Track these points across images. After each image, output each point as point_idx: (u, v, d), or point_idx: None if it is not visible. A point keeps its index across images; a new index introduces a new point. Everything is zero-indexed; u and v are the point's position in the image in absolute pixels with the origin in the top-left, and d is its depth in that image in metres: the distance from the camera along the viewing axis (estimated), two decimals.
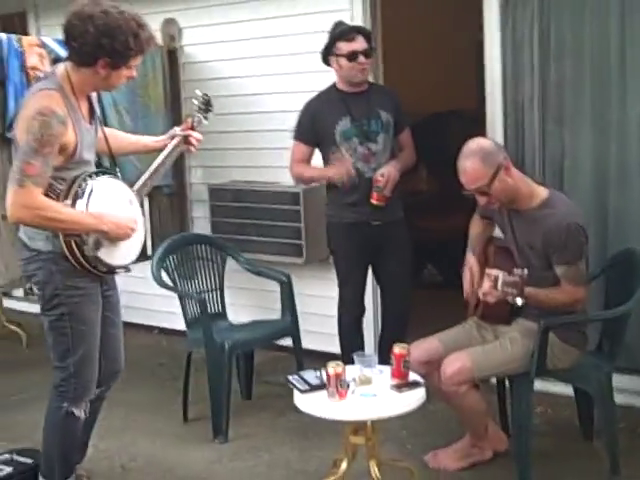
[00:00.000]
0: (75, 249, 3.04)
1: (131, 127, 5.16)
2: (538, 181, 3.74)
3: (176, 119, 5.55)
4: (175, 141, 3.50)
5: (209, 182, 5.51)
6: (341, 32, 4.24)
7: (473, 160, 3.39)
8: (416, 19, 6.79)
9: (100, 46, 2.98)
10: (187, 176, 5.71)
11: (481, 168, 3.38)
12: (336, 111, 4.27)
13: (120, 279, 5.64)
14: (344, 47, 4.20)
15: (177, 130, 3.56)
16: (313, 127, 4.32)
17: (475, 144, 3.47)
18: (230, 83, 5.45)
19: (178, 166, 5.60)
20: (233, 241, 5.00)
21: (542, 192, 3.52)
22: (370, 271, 4.50)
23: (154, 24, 5.47)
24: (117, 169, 3.32)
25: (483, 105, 4.60)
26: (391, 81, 5.09)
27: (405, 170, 4.38)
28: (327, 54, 4.30)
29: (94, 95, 3.31)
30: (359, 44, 4.20)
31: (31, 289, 3.25)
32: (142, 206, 3.38)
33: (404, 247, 4.42)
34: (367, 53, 4.23)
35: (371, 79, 4.63)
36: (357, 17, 4.86)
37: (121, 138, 3.61)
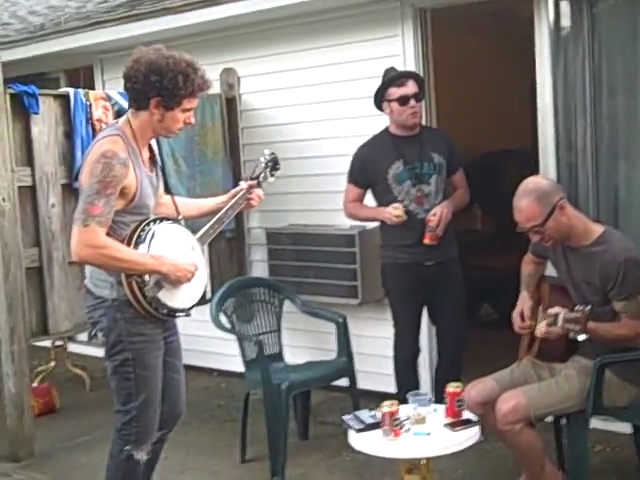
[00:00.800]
0: (137, 290, 3.10)
1: (187, 174, 5.33)
2: (594, 219, 3.74)
3: (235, 166, 5.70)
4: (241, 194, 3.55)
5: (267, 226, 5.62)
6: (392, 78, 4.35)
7: (529, 199, 3.41)
8: (468, 60, 6.87)
9: (150, 84, 3.09)
10: (245, 221, 5.83)
11: (536, 208, 3.40)
12: (389, 155, 4.35)
13: (180, 322, 5.79)
14: (395, 92, 4.30)
15: (243, 184, 3.62)
16: (364, 170, 4.42)
17: (532, 183, 3.50)
18: (286, 129, 5.58)
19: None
20: (290, 283, 5.08)
21: (597, 228, 3.53)
22: (425, 310, 4.53)
23: (213, 73, 5.69)
24: (180, 217, 3.39)
25: (537, 144, 4.63)
26: (444, 122, 5.15)
27: (458, 209, 4.43)
28: (380, 99, 4.40)
29: (156, 147, 3.40)
30: (409, 88, 4.30)
31: (95, 335, 3.31)
32: (204, 253, 3.43)
33: (458, 286, 4.45)
34: (418, 97, 4.32)
35: (424, 122, 4.71)
36: (409, 62, 4.95)
37: (186, 204, 3.64)
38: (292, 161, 5.50)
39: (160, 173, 3.38)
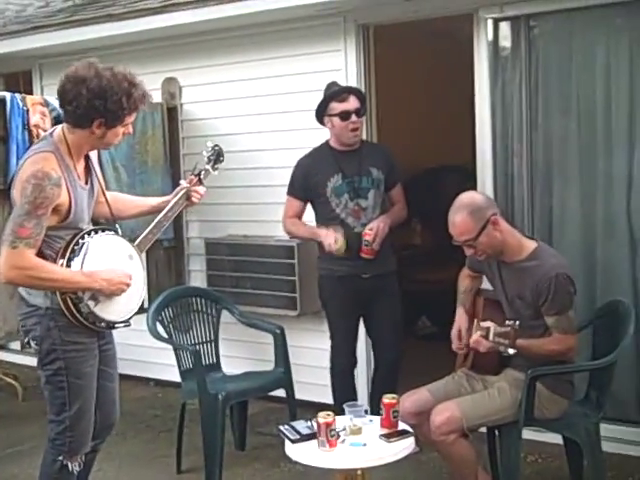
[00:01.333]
0: (71, 306, 3.07)
1: (127, 182, 5.29)
2: (527, 235, 3.82)
3: (175, 175, 5.67)
4: (180, 194, 3.51)
5: (206, 236, 5.61)
6: (333, 93, 4.38)
7: (462, 214, 3.48)
8: (410, 78, 6.96)
9: (93, 107, 3.02)
10: (185, 230, 5.81)
11: (469, 222, 3.46)
12: (328, 168, 4.38)
13: (116, 332, 5.73)
14: (337, 107, 4.33)
15: (184, 183, 3.57)
16: (305, 183, 4.43)
17: (466, 198, 3.56)
18: (227, 140, 5.50)
19: (176, 220, 5.66)
20: (229, 294, 5.08)
21: (530, 244, 3.60)
22: (362, 322, 4.57)
23: (155, 83, 5.69)
24: (117, 225, 3.35)
25: (475, 159, 4.73)
26: (385, 138, 5.21)
27: (395, 224, 4.47)
28: (321, 114, 4.42)
29: (94, 155, 3.34)
30: (351, 104, 4.33)
31: (28, 343, 3.24)
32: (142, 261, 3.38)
33: (394, 299, 4.49)
34: (359, 112, 4.35)
35: (365, 136, 4.77)
36: (351, 77, 5.00)
37: (124, 201, 3.61)
38: (233, 172, 5.46)
39: (96, 179, 3.30)
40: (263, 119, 5.43)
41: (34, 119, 4.96)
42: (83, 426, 3.22)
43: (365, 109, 4.52)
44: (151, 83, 5.64)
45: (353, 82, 4.95)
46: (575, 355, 3.66)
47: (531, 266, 3.51)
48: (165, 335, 4.47)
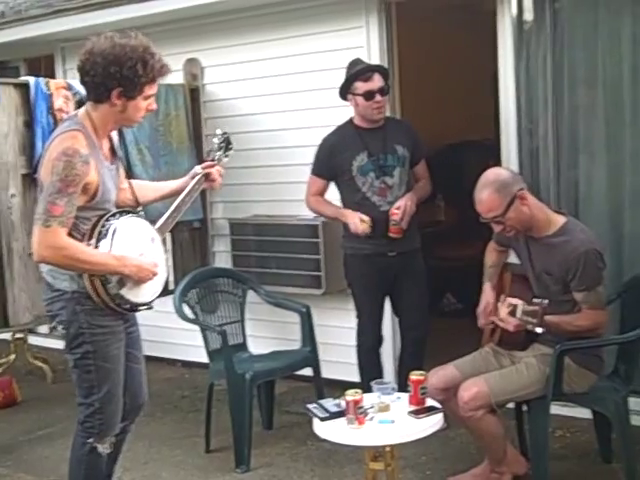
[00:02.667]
0: (99, 287, 3.07)
1: (152, 164, 5.29)
2: (556, 209, 3.79)
3: (198, 155, 5.67)
4: (196, 179, 3.50)
5: (230, 217, 5.62)
6: (358, 72, 4.34)
7: (489, 191, 3.45)
8: (433, 53, 6.91)
9: (109, 75, 3.01)
10: (209, 211, 5.82)
11: (496, 199, 3.44)
12: (353, 147, 4.36)
13: (143, 314, 5.77)
14: (361, 86, 4.30)
15: (198, 168, 3.56)
16: (330, 162, 4.41)
17: (492, 174, 3.54)
18: (250, 120, 5.57)
19: (200, 202, 5.72)
20: (254, 274, 5.09)
21: (559, 219, 3.57)
22: (388, 301, 4.57)
23: (176, 64, 5.66)
24: (140, 208, 3.36)
25: (500, 135, 4.68)
26: (408, 114, 5.18)
27: (421, 201, 4.46)
28: (345, 92, 4.40)
29: (115, 137, 3.34)
30: (375, 83, 4.30)
31: (55, 328, 3.27)
32: (164, 243, 3.41)
33: (420, 277, 4.48)
34: (383, 91, 4.33)
35: (388, 113, 4.73)
36: (374, 54, 4.97)
37: (146, 187, 3.61)
38: (256, 152, 5.51)
39: (120, 163, 3.32)
40: (285, 98, 5.41)
41: (58, 103, 4.96)
42: (112, 408, 3.24)
43: (389, 87, 4.48)
44: (173, 64, 5.56)
45: (376, 59, 4.92)
46: (605, 330, 3.64)
47: (560, 241, 3.49)
48: (192, 316, 4.49)
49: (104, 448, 3.27)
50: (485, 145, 6.48)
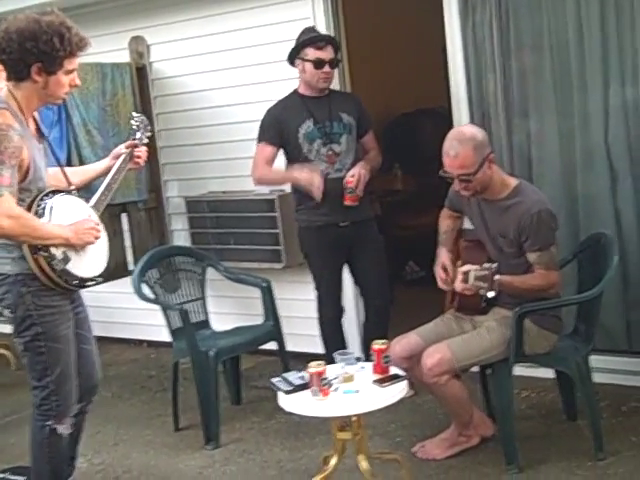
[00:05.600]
0: (44, 265, 3.07)
1: (102, 145, 5.21)
2: (508, 173, 3.82)
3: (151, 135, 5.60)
4: (122, 158, 3.51)
5: (186, 194, 5.57)
6: (311, 38, 4.34)
7: (466, 147, 3.44)
8: (380, 23, 6.87)
9: (26, 51, 3.01)
10: (164, 190, 5.77)
11: (471, 156, 3.44)
12: (299, 114, 4.37)
13: (106, 296, 5.74)
14: (312, 53, 4.31)
15: (122, 148, 3.57)
16: (277, 128, 4.40)
17: (469, 131, 3.55)
18: (200, 96, 5.51)
19: (154, 181, 5.67)
20: (213, 251, 5.08)
21: (512, 182, 3.61)
22: (348, 272, 4.59)
23: (121, 42, 5.59)
24: (72, 187, 3.35)
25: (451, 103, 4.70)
26: (359, 85, 5.17)
27: (373, 171, 4.47)
28: (294, 56, 4.39)
29: (37, 117, 3.31)
30: (327, 53, 4.31)
31: (1, 313, 3.26)
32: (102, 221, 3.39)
33: (376, 245, 4.51)
34: (333, 63, 4.35)
35: (338, 85, 4.76)
36: (320, 25, 4.91)
37: (73, 172, 3.58)
38: (207, 128, 5.47)
39: (46, 144, 3.31)
40: (234, 73, 5.36)
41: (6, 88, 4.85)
42: (67, 389, 3.25)
43: (339, 61, 4.49)
44: (118, 43, 5.63)
45: (322, 30, 4.86)
46: (560, 290, 3.69)
47: (513, 203, 3.53)
48: (152, 296, 4.47)
49: (64, 429, 3.28)
50: (439, 113, 6.48)
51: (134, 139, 3.57)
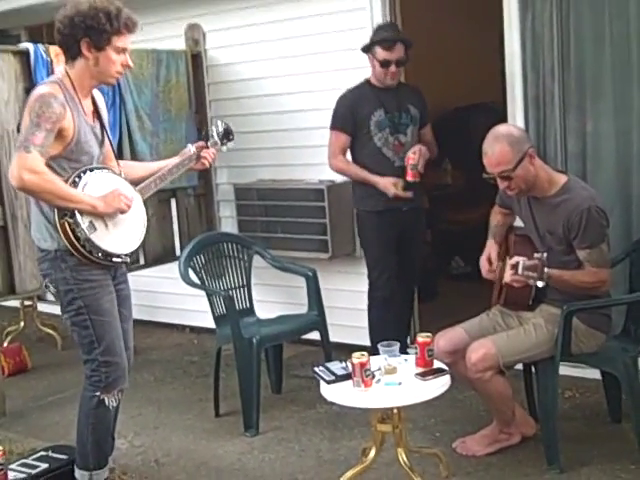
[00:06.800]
0: (69, 232, 3.13)
1: (151, 131, 5.25)
2: (557, 169, 3.76)
3: (201, 122, 5.64)
4: (187, 155, 3.61)
5: (235, 182, 5.59)
6: (382, 39, 4.45)
7: (501, 144, 3.42)
8: (437, 15, 6.81)
9: (75, 25, 3.14)
10: (213, 177, 5.79)
11: (508, 152, 3.41)
12: (371, 103, 4.48)
13: (152, 280, 5.79)
14: (380, 54, 4.43)
15: (192, 147, 3.66)
16: (351, 116, 4.50)
17: (505, 129, 3.53)
18: (253, 84, 5.52)
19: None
20: (260, 239, 5.08)
21: (561, 178, 3.55)
22: None
23: (178, 29, 5.63)
24: (122, 172, 3.41)
25: (506, 97, 4.63)
26: (414, 77, 5.12)
27: (428, 160, 4.55)
28: (366, 50, 4.51)
29: (102, 102, 3.43)
30: (395, 54, 4.42)
31: (47, 286, 3.34)
32: (146, 206, 3.47)
33: (422, 234, 4.83)
34: (400, 62, 4.45)
35: None
36: (377, 15, 4.90)
37: (134, 166, 3.71)
38: (259, 116, 5.48)
39: (107, 130, 3.40)
40: (288, 62, 5.35)
41: (58, 69, 4.92)
42: (116, 360, 3.32)
43: (407, 58, 4.53)
44: (174, 30, 5.66)
45: (378, 21, 4.85)
46: (611, 289, 3.62)
47: (562, 200, 3.47)
48: (197, 281, 4.48)
49: (111, 401, 3.35)
50: (493, 108, 6.41)
51: (206, 141, 3.68)
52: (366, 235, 4.65)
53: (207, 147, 3.69)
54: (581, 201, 3.42)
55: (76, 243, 3.15)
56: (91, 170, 3.24)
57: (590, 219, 3.38)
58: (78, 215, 3.14)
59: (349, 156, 4.61)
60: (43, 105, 3.08)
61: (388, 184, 4.40)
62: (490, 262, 3.73)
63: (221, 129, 3.78)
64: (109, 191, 3.23)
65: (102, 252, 3.21)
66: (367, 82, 4.57)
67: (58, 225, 3.15)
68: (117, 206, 3.23)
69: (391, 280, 4.56)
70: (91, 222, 3.17)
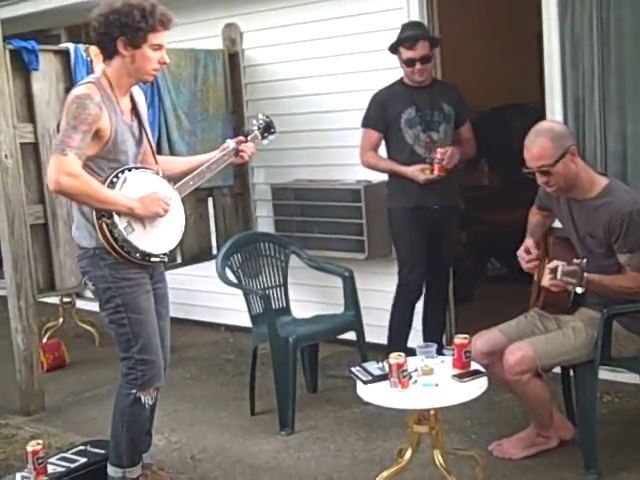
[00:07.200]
0: (107, 233, 3.16)
1: (189, 130, 5.30)
2: (599, 171, 3.72)
3: (238, 121, 5.67)
4: (226, 151, 3.61)
5: (272, 182, 5.61)
6: (404, 39, 4.50)
7: (544, 138, 3.39)
8: (475, 14, 6.79)
9: (110, 24, 3.15)
10: (250, 176, 5.82)
11: (549, 147, 3.38)
12: (402, 101, 4.54)
13: (189, 279, 5.83)
14: (404, 53, 4.49)
15: (231, 142, 3.66)
16: (382, 115, 4.56)
17: (547, 124, 3.52)
18: (290, 84, 5.54)
19: (241, 167, 5.70)
20: (296, 239, 5.10)
21: (602, 181, 3.51)
22: None
23: (215, 29, 5.66)
24: (159, 170, 3.42)
25: (544, 98, 4.60)
26: (451, 76, 5.11)
27: (464, 160, 4.64)
28: (393, 51, 4.56)
29: (142, 100, 3.44)
30: (418, 51, 4.45)
31: (86, 284, 3.37)
32: (183, 205, 3.47)
33: (455, 231, 4.83)
34: (424, 59, 4.47)
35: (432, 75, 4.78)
36: (413, 15, 4.90)
37: (172, 160, 3.75)
38: (296, 116, 5.49)
39: (145, 127, 3.40)
40: (325, 62, 5.37)
41: (98, 69, 4.97)
42: (152, 358, 3.33)
43: (432, 55, 4.55)
44: (211, 30, 5.70)
45: (416, 20, 4.85)
46: None
47: (603, 203, 3.43)
48: (235, 280, 4.51)
49: (147, 399, 3.37)
50: (529, 108, 6.38)
51: (246, 136, 3.69)
52: (397, 231, 4.70)
53: (247, 141, 3.68)
54: (623, 204, 3.38)
55: (114, 243, 3.18)
56: (129, 170, 3.25)
57: (632, 223, 3.34)
58: (116, 216, 3.16)
59: (384, 154, 4.65)
60: (79, 107, 3.09)
61: (416, 171, 4.44)
62: (528, 252, 3.68)
63: (262, 122, 3.78)
64: (147, 193, 3.25)
65: (140, 252, 3.23)
66: (400, 81, 4.62)
67: (96, 225, 3.17)
68: (155, 210, 3.25)
69: (421, 278, 4.62)
70: (129, 222, 3.19)
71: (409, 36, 4.49)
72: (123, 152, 3.26)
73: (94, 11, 3.21)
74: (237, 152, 3.64)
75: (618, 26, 4.25)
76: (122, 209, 3.17)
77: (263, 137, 3.79)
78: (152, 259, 3.29)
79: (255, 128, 3.75)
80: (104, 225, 3.16)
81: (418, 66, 4.45)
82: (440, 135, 4.53)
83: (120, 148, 3.23)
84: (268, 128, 3.79)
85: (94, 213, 3.18)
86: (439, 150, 4.43)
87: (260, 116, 3.82)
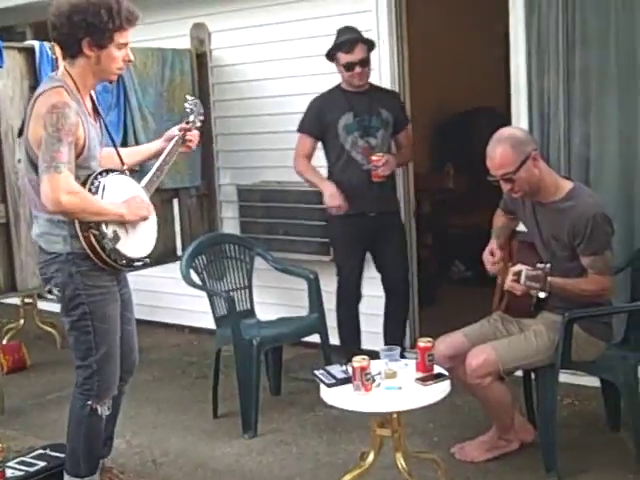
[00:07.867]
0: (95, 243, 3.07)
1: (155, 130, 5.23)
2: (563, 175, 3.75)
3: (205, 120, 5.62)
4: (174, 140, 3.54)
5: (237, 183, 5.59)
6: (341, 43, 4.52)
7: (503, 146, 3.41)
8: (442, 18, 6.82)
9: (75, 24, 3.00)
10: (216, 177, 5.79)
11: (510, 154, 3.40)
12: (340, 107, 4.55)
13: (152, 280, 5.78)
14: (342, 57, 4.51)
15: (175, 130, 3.59)
16: (318, 121, 4.58)
17: (507, 131, 3.52)
18: (258, 85, 5.52)
19: (207, 168, 5.68)
20: (262, 240, 5.09)
21: (566, 184, 3.54)
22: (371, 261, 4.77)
23: (183, 29, 5.62)
24: (125, 167, 3.36)
25: (510, 102, 4.63)
26: (417, 81, 5.13)
27: (400, 166, 4.75)
28: (330, 58, 4.60)
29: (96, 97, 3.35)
30: (356, 55, 4.48)
31: (50, 291, 3.28)
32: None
33: (399, 235, 4.76)
34: (363, 63, 4.50)
35: (396, 80, 4.90)
36: (382, 19, 4.91)
37: (130, 153, 3.64)
38: (263, 118, 5.48)
39: (102, 123, 3.33)
40: (293, 64, 5.36)
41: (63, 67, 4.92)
42: (110, 369, 3.27)
43: (370, 58, 4.56)
44: (179, 29, 5.66)
45: (384, 24, 4.90)
46: (612, 296, 3.61)
47: (567, 206, 3.45)
48: (199, 282, 4.48)
49: (104, 409, 3.31)
50: (496, 112, 6.42)
51: (187, 122, 3.60)
52: (333, 236, 4.78)
53: (190, 129, 3.58)
54: (587, 208, 3.40)
55: (102, 253, 3.09)
56: (101, 175, 3.16)
57: (595, 226, 3.37)
58: (103, 226, 3.08)
59: (323, 160, 4.71)
60: (61, 117, 2.95)
61: (331, 197, 4.48)
62: (493, 254, 3.71)
63: (192, 103, 3.65)
64: (129, 197, 3.19)
65: (126, 259, 3.18)
66: (338, 86, 4.64)
67: (82, 238, 3.06)
68: (142, 214, 3.21)
69: (359, 280, 4.69)
70: (114, 231, 3.12)
71: (346, 40, 4.50)
72: (94, 157, 3.17)
73: (52, 7, 3.06)
74: (184, 141, 3.56)
75: (583, 30, 4.29)
76: (114, 218, 3.10)
77: (199, 120, 3.65)
78: (136, 263, 3.25)
79: (189, 110, 3.63)
80: (91, 237, 3.07)
81: (357, 69, 4.47)
82: (378, 141, 4.55)
83: (92, 154, 3.14)
84: (200, 109, 3.67)
85: (77, 224, 3.07)
86: (374, 157, 4.46)
87: (189, 98, 3.70)
